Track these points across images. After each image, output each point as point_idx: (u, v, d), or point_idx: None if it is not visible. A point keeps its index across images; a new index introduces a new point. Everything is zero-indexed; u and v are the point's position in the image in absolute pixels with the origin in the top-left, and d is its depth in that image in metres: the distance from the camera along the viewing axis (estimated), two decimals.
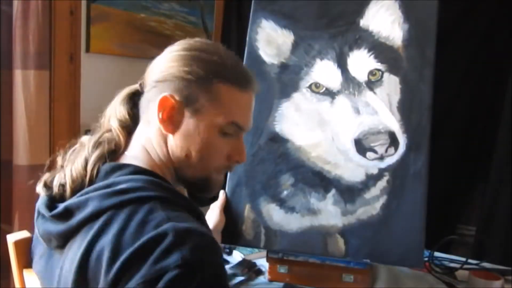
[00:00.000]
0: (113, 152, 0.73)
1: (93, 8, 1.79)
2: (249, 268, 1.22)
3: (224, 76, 0.73)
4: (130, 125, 0.76)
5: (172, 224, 0.58)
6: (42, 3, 1.55)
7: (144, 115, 0.75)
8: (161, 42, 2.12)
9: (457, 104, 2.08)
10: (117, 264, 0.57)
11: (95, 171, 0.69)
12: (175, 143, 0.72)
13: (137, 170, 0.69)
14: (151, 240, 0.57)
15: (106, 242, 0.59)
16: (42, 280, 0.74)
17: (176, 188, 0.72)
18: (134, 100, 0.77)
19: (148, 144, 0.74)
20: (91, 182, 0.69)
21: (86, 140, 0.75)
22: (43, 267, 0.73)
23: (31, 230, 0.82)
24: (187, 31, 2.22)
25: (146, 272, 0.55)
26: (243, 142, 0.78)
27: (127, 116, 0.76)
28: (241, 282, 1.16)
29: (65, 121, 1.70)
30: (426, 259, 1.26)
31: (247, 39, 1.22)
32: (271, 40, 1.20)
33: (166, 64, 0.73)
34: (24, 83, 1.54)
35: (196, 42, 0.77)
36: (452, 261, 1.34)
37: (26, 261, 0.80)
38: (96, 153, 0.71)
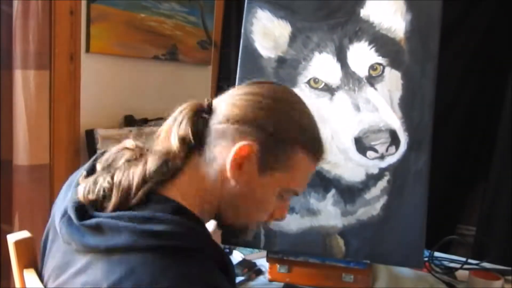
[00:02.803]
0: (167, 173, 0.67)
1: (93, 8, 1.79)
2: (249, 268, 1.22)
3: (305, 144, 0.72)
4: (191, 146, 0.68)
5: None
6: (42, 3, 1.55)
7: (208, 146, 0.69)
8: (161, 42, 2.14)
9: (456, 104, 2.08)
10: None
11: (144, 191, 0.64)
12: (232, 190, 0.70)
13: (178, 209, 0.65)
14: None
15: (138, 285, 0.58)
16: (53, 272, 0.72)
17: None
18: (197, 117, 0.70)
19: (202, 179, 0.70)
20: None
21: (141, 149, 0.69)
22: (58, 262, 0.71)
23: (31, 230, 0.82)
24: (187, 31, 2.22)
25: None
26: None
27: (191, 136, 0.68)
28: (241, 282, 1.16)
29: (65, 121, 1.70)
30: (426, 259, 1.26)
31: (242, 30, 1.17)
32: (267, 32, 1.16)
33: (253, 109, 0.69)
34: (24, 83, 1.54)
35: (285, 93, 0.74)
36: (452, 261, 1.34)
37: (26, 261, 0.80)
38: (158, 176, 0.65)
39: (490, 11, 2.00)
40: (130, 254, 0.59)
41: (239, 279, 1.17)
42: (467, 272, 1.20)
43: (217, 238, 1.08)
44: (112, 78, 1.90)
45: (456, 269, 1.27)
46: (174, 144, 0.67)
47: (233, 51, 2.39)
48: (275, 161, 0.69)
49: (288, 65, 1.15)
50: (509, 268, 1.29)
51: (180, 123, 0.69)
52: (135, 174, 0.65)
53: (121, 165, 0.67)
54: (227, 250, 1.35)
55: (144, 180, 0.64)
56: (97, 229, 0.62)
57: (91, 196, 0.64)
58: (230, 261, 0.67)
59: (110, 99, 1.89)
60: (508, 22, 1.96)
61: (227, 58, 2.45)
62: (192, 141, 0.68)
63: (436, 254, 1.34)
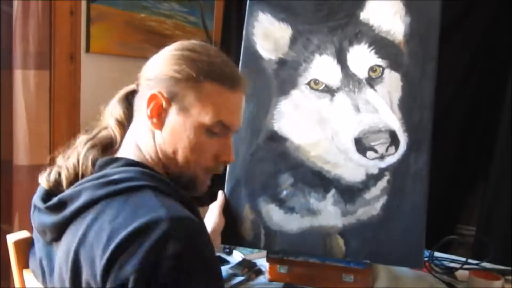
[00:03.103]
0: (108, 148, 0.77)
1: (93, 8, 1.79)
2: (249, 268, 1.22)
3: (213, 76, 0.75)
4: (125, 123, 0.79)
5: (167, 211, 0.60)
6: (42, 3, 1.55)
7: (136, 112, 0.78)
8: (161, 42, 2.14)
9: (456, 104, 2.08)
10: (112, 246, 0.58)
11: (88, 164, 0.72)
12: (162, 139, 0.74)
13: (129, 163, 0.72)
14: (146, 225, 0.58)
15: (101, 228, 0.61)
16: (38, 276, 0.75)
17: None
18: (129, 99, 0.81)
19: (140, 140, 0.76)
20: (85, 176, 0.72)
21: (84, 138, 0.78)
22: (39, 262, 0.74)
23: (31, 230, 0.82)
24: (187, 31, 2.22)
25: (142, 258, 0.56)
26: (232, 142, 0.81)
27: (122, 115, 0.79)
28: (241, 282, 1.16)
29: (65, 121, 1.70)
30: (426, 259, 1.26)
31: (244, 33, 1.19)
32: (268, 34, 1.17)
33: (157, 63, 0.77)
34: (24, 83, 1.54)
35: (189, 43, 0.79)
36: (452, 261, 1.34)
37: (26, 261, 0.80)
38: (88, 147, 0.75)
39: (490, 11, 2.00)
40: (93, 207, 0.64)
41: (239, 279, 1.17)
42: (467, 272, 1.20)
43: (217, 238, 1.08)
44: (112, 78, 1.90)
45: (456, 269, 1.27)
46: (110, 122, 0.79)
47: (233, 51, 2.39)
48: (187, 98, 0.73)
49: (289, 67, 1.16)
50: (509, 268, 1.29)
51: (114, 106, 0.81)
52: (73, 155, 0.75)
53: (66, 154, 0.77)
54: (227, 250, 1.35)
55: (94, 156, 0.73)
56: (60, 204, 0.68)
57: (50, 185, 0.73)
58: (191, 200, 0.71)
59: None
60: (508, 22, 1.96)
61: None
62: (124, 118, 0.79)
63: (436, 254, 1.34)
